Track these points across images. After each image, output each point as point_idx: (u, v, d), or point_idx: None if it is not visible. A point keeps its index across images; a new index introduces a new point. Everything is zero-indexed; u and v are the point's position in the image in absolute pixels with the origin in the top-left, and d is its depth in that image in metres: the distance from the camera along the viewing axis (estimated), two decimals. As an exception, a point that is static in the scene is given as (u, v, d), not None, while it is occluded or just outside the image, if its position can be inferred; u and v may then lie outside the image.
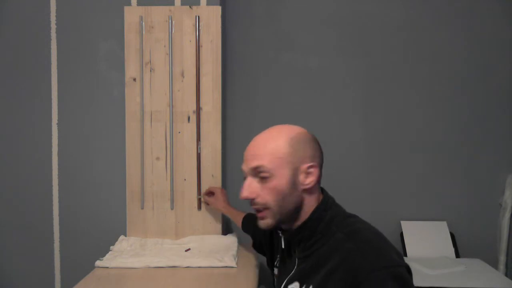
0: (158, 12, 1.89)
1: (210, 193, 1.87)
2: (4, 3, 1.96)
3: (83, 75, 1.97)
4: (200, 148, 1.90)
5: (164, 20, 1.89)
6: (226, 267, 1.65)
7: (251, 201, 1.07)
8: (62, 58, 1.96)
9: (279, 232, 1.16)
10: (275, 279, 1.23)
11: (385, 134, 2.29)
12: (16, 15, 1.96)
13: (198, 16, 1.88)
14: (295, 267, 1.09)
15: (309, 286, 1.00)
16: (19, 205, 1.99)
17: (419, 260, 2.01)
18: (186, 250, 1.78)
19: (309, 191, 1.06)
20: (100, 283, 1.50)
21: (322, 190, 1.11)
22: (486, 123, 2.27)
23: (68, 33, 1.96)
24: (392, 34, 2.28)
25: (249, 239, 1.64)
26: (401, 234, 2.21)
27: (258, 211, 1.07)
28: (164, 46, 1.90)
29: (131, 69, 1.91)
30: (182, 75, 1.90)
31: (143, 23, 1.89)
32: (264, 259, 1.47)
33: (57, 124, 1.98)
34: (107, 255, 1.71)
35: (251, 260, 1.73)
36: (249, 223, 1.64)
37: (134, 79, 1.91)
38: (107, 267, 1.63)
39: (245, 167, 1.07)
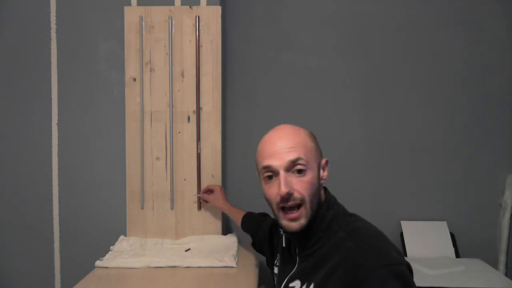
0: (158, 12, 1.89)
1: (209, 191, 1.87)
2: (4, 3, 1.96)
3: (83, 75, 1.97)
4: (200, 148, 1.90)
5: (164, 20, 1.89)
6: (226, 267, 1.65)
7: (286, 198, 1.00)
8: (62, 58, 1.96)
9: (280, 230, 1.16)
10: (275, 278, 1.23)
11: (385, 134, 2.29)
12: (16, 15, 1.96)
13: (198, 16, 1.88)
14: (296, 265, 1.09)
15: (310, 284, 1.00)
16: (19, 205, 1.99)
17: (419, 260, 2.01)
18: (186, 250, 1.78)
19: (322, 187, 1.09)
20: (100, 283, 1.50)
21: (325, 189, 1.12)
22: (486, 123, 2.27)
23: (68, 33, 1.96)
24: (392, 34, 2.28)
25: (249, 239, 1.64)
26: (401, 234, 2.21)
27: (292, 208, 1.02)
28: (164, 46, 1.90)
29: (131, 69, 1.91)
30: (182, 75, 1.90)
31: (143, 23, 1.89)
32: (264, 258, 1.47)
33: (57, 124, 1.98)
34: (107, 255, 1.71)
35: (251, 260, 1.73)
36: (249, 222, 1.64)
37: (134, 79, 1.91)
38: (107, 267, 1.63)
39: (279, 162, 1.02)
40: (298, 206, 1.02)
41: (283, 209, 1.03)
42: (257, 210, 1.66)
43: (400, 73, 2.28)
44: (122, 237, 1.89)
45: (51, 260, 1.99)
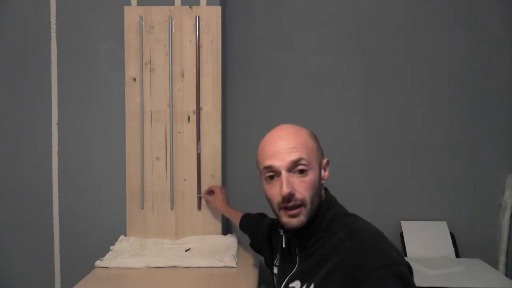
0: (158, 12, 1.89)
1: (211, 191, 1.88)
2: (4, 3, 1.96)
3: (83, 75, 1.97)
4: (200, 148, 1.90)
5: (164, 20, 1.89)
6: (226, 267, 1.65)
7: (288, 198, 1.00)
8: (62, 58, 1.96)
9: (280, 230, 1.16)
10: (275, 278, 1.23)
11: (385, 134, 2.29)
12: (16, 15, 1.96)
13: (198, 16, 1.88)
14: (296, 266, 1.08)
15: (310, 284, 1.00)
16: (19, 205, 1.99)
17: (419, 260, 2.01)
18: (186, 250, 1.78)
19: (323, 187, 1.09)
20: (100, 283, 1.50)
21: (325, 189, 1.12)
22: (486, 123, 2.27)
23: (68, 33, 1.96)
24: (392, 34, 2.28)
25: (249, 239, 1.64)
26: (401, 234, 2.21)
27: (293, 208, 1.02)
28: (164, 46, 1.90)
29: (131, 69, 1.91)
30: (182, 75, 1.90)
31: (143, 23, 1.89)
32: (263, 258, 1.47)
33: (57, 124, 1.98)
34: (107, 255, 1.71)
35: (251, 260, 1.73)
36: (247, 223, 1.64)
37: (134, 79, 1.91)
38: (107, 267, 1.63)
39: (280, 162, 1.01)
40: (299, 206, 1.02)
41: (285, 208, 1.03)
42: (257, 210, 1.66)
43: (400, 73, 2.28)
44: (122, 237, 1.89)
45: (51, 260, 1.99)
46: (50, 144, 1.98)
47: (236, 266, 1.66)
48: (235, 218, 1.73)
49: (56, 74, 1.97)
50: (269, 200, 1.07)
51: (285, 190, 0.99)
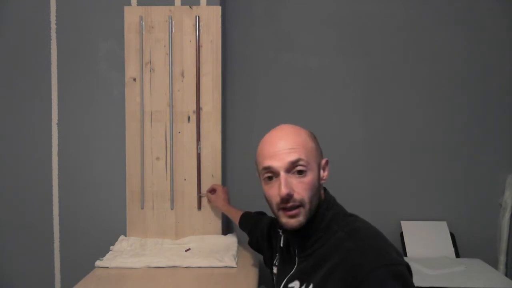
0: (158, 12, 1.89)
1: (213, 190, 1.88)
2: (4, 3, 1.96)
3: (83, 75, 1.97)
4: (200, 148, 1.90)
5: (164, 20, 1.89)
6: (226, 267, 1.65)
7: (286, 199, 1.00)
8: (62, 58, 1.96)
9: (279, 230, 1.16)
10: (274, 278, 1.23)
11: (385, 134, 2.29)
12: (16, 15, 1.96)
13: (198, 16, 1.88)
14: (296, 265, 1.08)
15: (310, 285, 1.00)
16: (19, 205, 1.99)
17: (419, 260, 2.01)
18: (186, 250, 1.78)
19: (322, 187, 1.09)
20: (100, 283, 1.50)
21: (324, 190, 1.12)
22: (486, 123, 2.27)
23: (68, 33, 1.96)
24: (392, 34, 2.28)
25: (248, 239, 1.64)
26: (401, 234, 2.21)
27: (291, 209, 1.02)
28: (164, 46, 1.90)
29: (131, 69, 1.91)
30: (182, 75, 1.90)
31: (143, 23, 1.89)
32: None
33: (57, 124, 1.98)
34: (107, 255, 1.71)
35: (251, 260, 1.73)
36: (247, 221, 1.64)
37: (134, 79, 1.91)
38: (107, 267, 1.63)
39: (278, 163, 1.01)
40: (297, 207, 1.02)
41: (283, 209, 1.03)
42: (257, 210, 1.66)
43: (400, 73, 2.28)
44: (122, 237, 1.89)
45: (51, 260, 1.99)
46: (50, 144, 1.98)
47: (236, 266, 1.66)
48: (235, 217, 1.74)
49: (56, 74, 1.97)
50: (268, 200, 1.07)
51: (284, 191, 0.99)
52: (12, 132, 1.99)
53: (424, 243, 2.16)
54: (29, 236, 1.99)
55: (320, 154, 1.08)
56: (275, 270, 1.24)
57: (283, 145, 1.03)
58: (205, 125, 1.90)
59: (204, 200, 1.91)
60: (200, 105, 1.90)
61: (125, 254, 1.73)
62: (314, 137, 1.09)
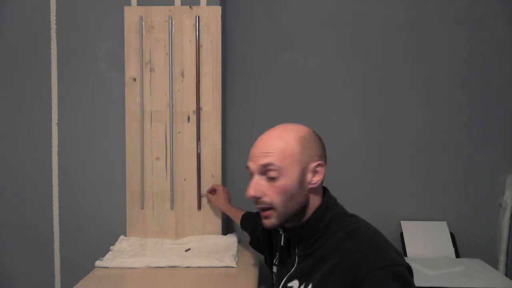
0: (158, 12, 1.89)
1: (213, 190, 1.88)
2: (4, 3, 1.96)
3: (83, 75, 1.97)
4: (200, 148, 1.90)
5: (164, 20, 1.89)
6: (226, 267, 1.65)
7: (256, 200, 1.05)
8: (62, 58, 1.96)
9: (280, 230, 1.16)
10: (274, 278, 1.23)
11: (385, 134, 2.29)
12: (16, 15, 1.96)
13: (198, 16, 1.88)
14: (295, 265, 1.09)
15: (309, 284, 1.00)
16: (19, 205, 1.99)
17: (419, 260, 2.01)
18: (186, 250, 1.78)
19: (314, 190, 1.06)
20: (100, 283, 1.50)
21: (325, 190, 1.11)
22: (486, 123, 2.27)
23: (68, 33, 1.96)
24: (392, 34, 2.28)
25: (249, 239, 1.64)
26: (401, 234, 2.21)
27: (263, 210, 1.05)
28: (164, 46, 1.90)
29: (131, 69, 1.91)
30: (182, 75, 1.90)
31: (143, 23, 1.89)
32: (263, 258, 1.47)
33: (57, 124, 1.98)
34: (107, 255, 1.71)
35: (251, 260, 1.73)
36: (248, 221, 1.64)
37: (134, 79, 1.91)
38: (107, 267, 1.63)
39: (253, 164, 1.05)
40: (268, 209, 1.04)
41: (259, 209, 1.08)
42: (257, 210, 1.66)
43: (400, 73, 2.28)
44: (122, 237, 1.89)
45: (51, 260, 1.99)
46: (50, 144, 1.98)
47: (236, 266, 1.66)
48: (236, 217, 1.74)
49: (56, 74, 1.97)
50: None
51: (249, 192, 1.04)
52: (12, 132, 1.99)
53: (424, 243, 2.16)
54: (29, 236, 1.99)
55: (308, 157, 1.04)
56: (275, 269, 1.24)
57: (260, 148, 1.05)
58: (205, 125, 1.90)
59: (204, 200, 1.91)
60: (200, 105, 1.90)
61: (125, 254, 1.73)
62: (305, 140, 1.05)
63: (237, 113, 2.28)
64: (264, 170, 1.03)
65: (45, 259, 1.98)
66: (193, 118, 1.90)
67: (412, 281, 0.94)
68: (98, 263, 1.65)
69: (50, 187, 1.98)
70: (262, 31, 2.29)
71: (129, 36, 1.90)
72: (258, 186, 1.03)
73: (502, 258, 2.22)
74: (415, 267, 1.91)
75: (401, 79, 2.28)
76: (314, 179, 1.05)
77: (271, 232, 1.38)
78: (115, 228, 1.93)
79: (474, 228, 2.27)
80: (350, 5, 2.27)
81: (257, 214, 1.63)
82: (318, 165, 1.05)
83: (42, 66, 1.96)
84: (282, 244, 1.18)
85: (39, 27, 1.96)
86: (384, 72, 2.28)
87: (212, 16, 1.89)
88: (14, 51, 1.98)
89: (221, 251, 1.76)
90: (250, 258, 1.75)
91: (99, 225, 1.97)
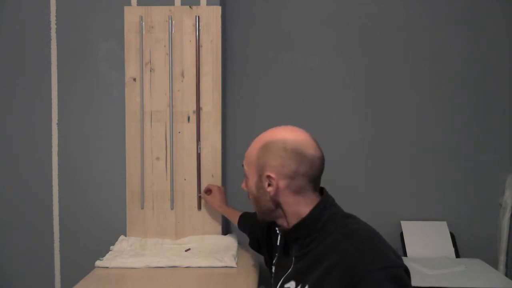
0: (158, 12, 1.89)
1: (209, 190, 1.87)
2: (4, 3, 1.96)
3: (83, 75, 1.97)
4: (200, 148, 1.90)
5: (164, 20, 1.89)
6: (226, 267, 1.65)
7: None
8: (62, 58, 1.96)
9: (277, 229, 1.16)
10: (272, 278, 1.23)
11: (385, 134, 2.29)
12: (16, 15, 1.96)
13: (198, 16, 1.88)
14: (292, 265, 1.08)
15: (305, 285, 1.00)
16: (19, 205, 1.99)
17: (419, 260, 2.01)
18: (186, 250, 1.78)
19: (282, 195, 1.06)
20: (100, 283, 1.50)
21: (322, 190, 1.11)
22: (486, 123, 2.27)
23: (68, 33, 1.96)
24: (392, 34, 2.28)
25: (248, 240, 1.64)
26: (401, 234, 2.21)
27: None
28: (164, 46, 1.90)
29: (131, 69, 1.91)
30: (182, 75, 1.90)
31: (143, 23, 1.89)
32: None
33: (57, 124, 1.98)
34: (107, 255, 1.71)
35: (251, 260, 1.73)
36: (246, 221, 1.64)
37: (134, 79, 1.91)
38: (107, 267, 1.63)
39: None
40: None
41: None
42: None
43: (400, 73, 2.28)
44: (122, 237, 1.89)
45: (51, 260, 1.99)
46: (50, 144, 1.98)
47: (236, 266, 1.66)
48: (233, 217, 1.73)
49: (56, 74, 1.97)
50: None
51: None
52: (12, 132, 1.99)
53: (424, 243, 2.16)
54: (29, 236, 1.99)
55: (262, 167, 1.06)
56: (274, 269, 1.24)
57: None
58: (205, 125, 1.90)
59: (204, 200, 1.91)
60: (200, 105, 1.90)
61: (125, 254, 1.73)
62: (265, 149, 1.06)
63: (237, 113, 2.28)
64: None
65: (45, 259, 1.98)
66: (193, 118, 1.90)
67: (410, 283, 0.94)
68: (98, 263, 1.65)
69: (50, 187, 1.98)
70: (262, 31, 2.29)
71: (129, 36, 1.90)
72: (245, 182, 1.16)
73: (502, 258, 2.22)
74: (415, 267, 1.92)
75: (401, 79, 2.28)
76: (269, 189, 1.06)
77: (271, 233, 1.37)
78: (115, 228, 1.93)
79: (474, 228, 2.27)
80: (350, 5, 2.28)
81: (255, 214, 1.64)
82: (268, 176, 1.05)
83: (42, 66, 1.96)
84: (278, 244, 1.18)
85: (39, 27, 1.95)
86: (384, 72, 2.28)
87: (212, 16, 1.89)
88: (14, 51, 1.98)
89: (221, 251, 1.76)
90: (250, 258, 1.75)
91: (99, 225, 1.97)
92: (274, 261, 1.26)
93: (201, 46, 1.89)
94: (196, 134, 1.90)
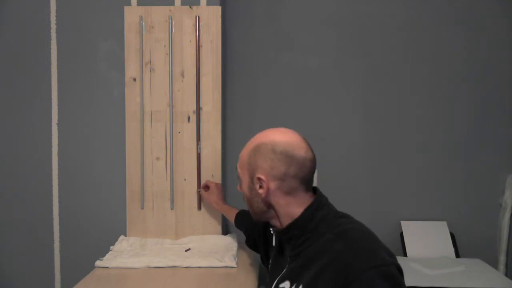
0: (158, 12, 1.89)
1: (206, 187, 1.87)
2: (4, 3, 1.96)
3: (83, 75, 1.97)
4: (200, 148, 1.90)
5: (164, 20, 1.89)
6: (226, 267, 1.65)
7: None
8: (62, 58, 1.96)
9: (271, 229, 1.16)
10: (268, 277, 1.23)
11: (385, 134, 2.29)
12: (16, 15, 1.96)
13: (198, 16, 1.88)
14: (287, 265, 1.09)
15: (300, 285, 1.00)
16: (19, 205, 1.99)
17: (419, 260, 2.01)
18: (186, 250, 1.78)
19: (275, 197, 1.07)
20: (100, 283, 1.50)
21: (315, 190, 1.11)
22: (486, 123, 2.27)
23: (68, 33, 1.96)
24: (392, 34, 2.28)
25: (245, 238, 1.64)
26: (401, 234, 2.21)
27: None
28: (164, 46, 1.90)
29: (131, 69, 1.91)
30: (182, 75, 1.90)
31: (143, 23, 1.89)
32: (263, 258, 1.47)
33: (57, 124, 1.98)
34: (107, 255, 1.71)
35: (251, 260, 1.73)
36: (243, 219, 1.64)
37: (134, 79, 1.91)
38: (107, 267, 1.63)
39: None
40: None
41: None
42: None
43: (400, 73, 2.28)
44: (122, 237, 1.89)
45: (51, 260, 1.99)
46: (50, 144, 1.98)
47: (236, 266, 1.66)
48: (230, 215, 1.73)
49: (56, 74, 1.97)
50: None
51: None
52: (12, 132, 1.99)
53: (424, 243, 2.16)
54: (29, 236, 1.99)
55: (253, 169, 1.08)
56: (269, 269, 1.24)
57: None
58: (205, 125, 1.90)
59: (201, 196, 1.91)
60: (200, 105, 1.90)
61: (125, 254, 1.73)
62: (257, 151, 1.07)
63: (237, 113, 2.28)
64: None
65: (45, 259, 1.98)
66: (193, 118, 1.90)
67: (403, 280, 0.94)
68: (98, 263, 1.65)
69: (50, 187, 1.98)
70: (262, 31, 2.29)
71: (129, 36, 1.90)
72: (239, 184, 1.17)
73: (502, 258, 2.23)
74: (415, 267, 1.93)
75: (401, 79, 2.28)
76: (260, 190, 1.08)
77: (266, 231, 1.38)
78: (115, 228, 1.93)
79: (474, 228, 2.27)
80: (350, 5, 2.28)
81: None
82: (259, 179, 1.07)
83: (42, 66, 1.96)
84: (274, 244, 1.18)
85: (39, 27, 1.95)
86: (384, 72, 2.29)
87: (212, 16, 1.89)
88: (14, 51, 1.98)
89: (221, 251, 1.76)
90: (250, 258, 1.75)
91: (99, 225, 1.97)
92: (270, 261, 1.26)
93: (201, 46, 1.89)
94: (196, 134, 1.90)
